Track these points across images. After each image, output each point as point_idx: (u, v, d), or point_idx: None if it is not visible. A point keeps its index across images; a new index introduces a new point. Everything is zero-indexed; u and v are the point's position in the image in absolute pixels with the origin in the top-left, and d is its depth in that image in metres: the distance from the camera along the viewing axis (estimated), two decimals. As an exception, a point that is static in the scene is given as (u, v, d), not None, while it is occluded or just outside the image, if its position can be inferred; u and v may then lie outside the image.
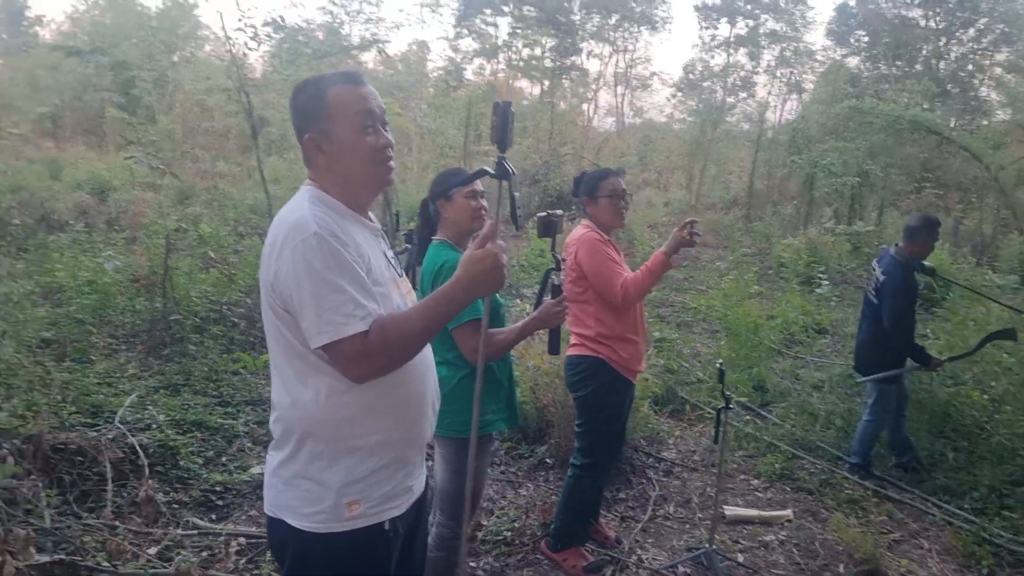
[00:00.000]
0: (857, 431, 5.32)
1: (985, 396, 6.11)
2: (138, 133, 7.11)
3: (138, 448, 4.35)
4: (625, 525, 4.47)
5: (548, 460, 5.04)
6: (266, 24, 9.03)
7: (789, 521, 4.62)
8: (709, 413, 6.23)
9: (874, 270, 5.24)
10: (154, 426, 4.74)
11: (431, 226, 3.14)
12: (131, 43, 19.54)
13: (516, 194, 2.30)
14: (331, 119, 1.90)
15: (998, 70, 19.44)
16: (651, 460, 5.39)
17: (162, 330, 6.52)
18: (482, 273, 1.83)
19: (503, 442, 5.32)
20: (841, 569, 4.07)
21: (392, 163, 2.00)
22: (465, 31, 30.75)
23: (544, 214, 2.87)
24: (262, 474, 4.20)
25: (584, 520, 3.94)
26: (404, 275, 2.20)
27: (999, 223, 14.80)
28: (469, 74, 27.62)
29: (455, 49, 29.71)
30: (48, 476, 3.96)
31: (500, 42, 28.62)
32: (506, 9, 30.02)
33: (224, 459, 4.66)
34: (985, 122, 17.67)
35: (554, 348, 2.99)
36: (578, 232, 3.75)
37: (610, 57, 28.83)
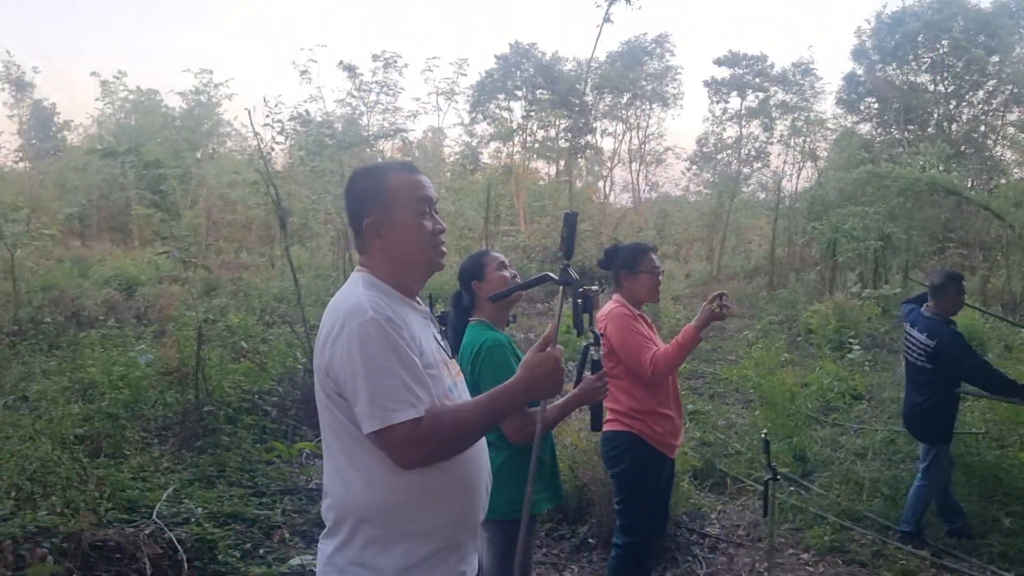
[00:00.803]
0: (909, 497, 5.16)
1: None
2: (169, 228, 7.28)
3: (176, 543, 4.30)
4: (676, 606, 4.33)
5: (591, 540, 4.93)
6: (292, 119, 9.32)
7: (845, 596, 4.46)
8: (751, 485, 6.09)
9: (912, 336, 5.14)
10: (191, 519, 4.69)
11: (464, 313, 3.18)
12: (156, 142, 20.21)
13: (579, 300, 2.35)
14: (391, 205, 1.96)
15: (1011, 130, 19.61)
16: (695, 536, 5.25)
17: (195, 421, 6.52)
18: (543, 377, 1.87)
19: (543, 523, 5.21)
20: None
21: (444, 248, 2.05)
22: (480, 116, 31.50)
23: (581, 289, 2.89)
24: (301, 565, 4.16)
25: (632, 602, 3.81)
26: (453, 357, 2.22)
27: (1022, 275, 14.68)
28: (485, 157, 28.18)
29: (471, 134, 30.40)
30: (87, 574, 3.91)
31: (515, 125, 29.26)
32: (519, 94, 30.82)
33: (262, 551, 4.60)
34: (1003, 181, 17.68)
35: (596, 424, 2.97)
36: (608, 307, 3.76)
37: (623, 134, 29.39)
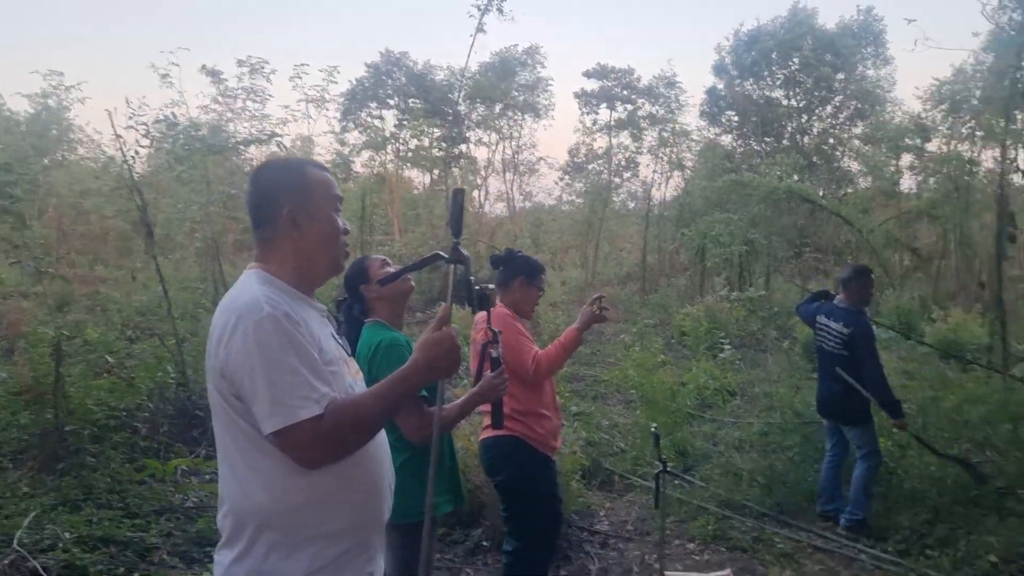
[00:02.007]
0: (853, 485, 5.36)
1: (890, 443, 6.38)
2: (22, 236, 6.76)
3: (41, 571, 3.97)
4: (572, 602, 4.36)
5: (485, 543, 4.90)
6: (158, 121, 8.85)
7: (729, 582, 4.61)
8: (637, 482, 6.24)
9: (828, 327, 5.42)
10: (57, 546, 4.34)
11: (356, 322, 3.11)
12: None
13: (471, 277, 2.31)
14: (311, 198, 1.92)
15: (856, 142, 21.12)
16: (586, 534, 5.32)
17: (55, 442, 6.05)
18: (440, 356, 1.84)
19: (437, 527, 5.14)
20: (787, 624, 4.08)
21: (347, 250, 2.03)
22: (351, 124, 31.00)
23: (479, 287, 2.86)
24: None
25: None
26: (352, 355, 2.16)
27: (876, 281, 15.75)
28: (358, 166, 27.74)
29: (342, 142, 29.84)
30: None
31: (388, 134, 28.96)
32: (391, 102, 30.55)
33: (137, 575, 4.31)
34: (850, 190, 19.00)
35: (498, 421, 2.95)
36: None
37: (497, 144, 29.59)
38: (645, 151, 25.83)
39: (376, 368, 2.87)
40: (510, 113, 28.71)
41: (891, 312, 12.74)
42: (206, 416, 6.44)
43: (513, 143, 29.51)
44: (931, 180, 16.60)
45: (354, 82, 30.25)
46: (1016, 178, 15.89)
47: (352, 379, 1.97)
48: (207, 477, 5.84)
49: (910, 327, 11.87)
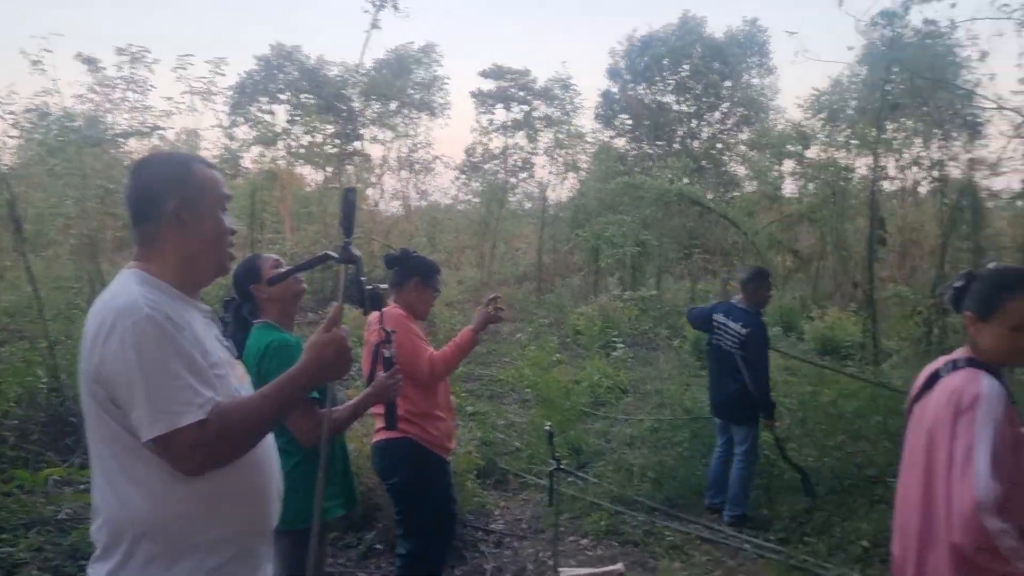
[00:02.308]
0: (732, 482, 5.55)
1: (772, 437, 6.66)
2: None
3: None
4: (467, 602, 4.36)
5: (378, 546, 4.83)
6: (28, 112, 8.32)
7: (621, 575, 4.71)
8: (532, 480, 6.29)
9: (727, 326, 5.58)
10: (-89, 566, 4.03)
11: (244, 322, 3.02)
12: None
13: (363, 278, 2.26)
14: (197, 195, 1.85)
15: (743, 148, 22.02)
16: (480, 534, 5.32)
17: (-94, 457, 5.61)
18: (330, 357, 1.80)
19: (328, 532, 5.03)
20: (675, 614, 4.19)
21: (233, 251, 1.96)
22: (240, 119, 30.01)
23: (370, 287, 2.81)
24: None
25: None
26: (239, 358, 2.09)
27: (760, 281, 16.40)
28: (247, 162, 26.85)
29: (230, 137, 28.83)
30: None
31: (279, 130, 28.16)
32: (283, 97, 29.73)
33: (3, 594, 4.04)
34: (737, 193, 19.74)
35: (391, 423, 2.91)
36: (384, 309, 3.69)
37: (392, 142, 29.20)
38: (541, 152, 26.14)
39: (266, 371, 2.78)
40: (406, 111, 28.40)
41: (774, 311, 13.29)
42: (80, 423, 6.09)
43: (409, 141, 29.22)
44: (811, 185, 17.42)
45: (243, 75, 29.28)
46: (887, 184, 16.93)
47: (238, 382, 1.90)
48: (81, 487, 5.52)
49: (791, 325, 12.44)
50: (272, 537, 1.96)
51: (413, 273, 3.73)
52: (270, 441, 1.94)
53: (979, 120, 8.44)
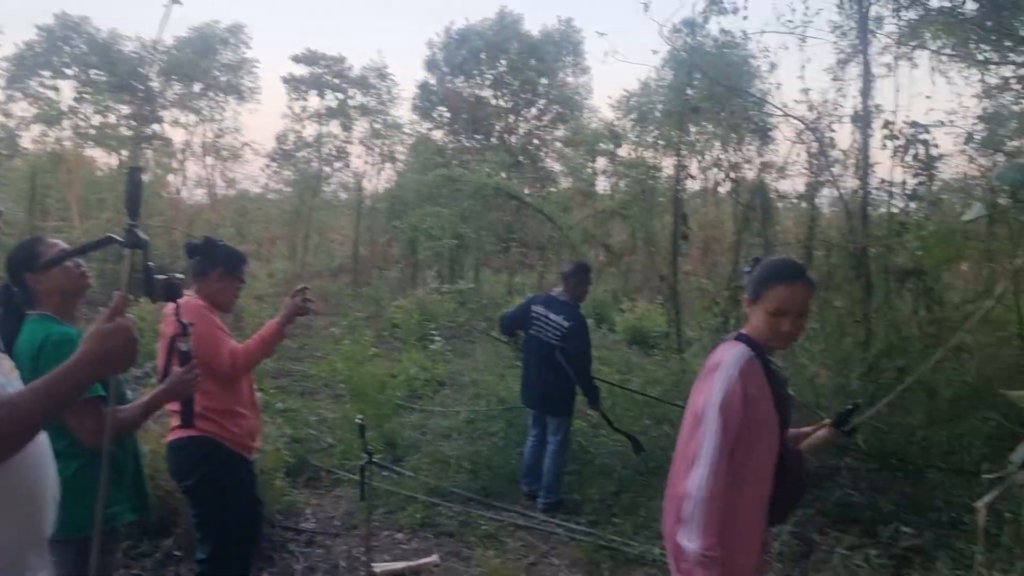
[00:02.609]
0: (546, 472, 5.60)
1: (584, 424, 6.90)
2: None
3: None
4: (274, 606, 4.15)
5: (176, 553, 4.49)
6: None
7: (437, 566, 4.68)
8: (345, 476, 6.11)
9: (548, 319, 5.59)
10: None
11: (15, 311, 2.69)
12: None
13: (151, 263, 2.05)
14: None
15: (558, 144, 22.68)
16: (290, 533, 5.10)
17: None
18: (112, 349, 1.63)
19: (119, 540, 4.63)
20: (490, 602, 4.21)
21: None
22: (19, 94, 27.28)
23: (165, 276, 2.59)
24: None
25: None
26: (7, 353, 1.85)
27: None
28: (27, 142, 24.44)
29: (7, 114, 26.15)
30: None
31: (65, 108, 25.88)
32: (69, 72, 27.30)
33: None
34: (553, 189, 20.29)
35: (188, 420, 2.71)
36: (182, 300, 3.42)
37: (196, 126, 27.58)
38: (356, 142, 25.63)
39: (42, 366, 2.48)
40: (211, 94, 26.95)
41: (587, 304, 13.78)
42: None
43: (215, 126, 27.73)
44: (622, 183, 18.20)
45: (22, 46, 26.59)
46: (691, 184, 17.99)
47: (5, 379, 1.71)
48: None
49: (603, 317, 12.96)
50: (46, 547, 1.76)
51: (217, 263, 3.48)
52: (44, 443, 1.76)
53: (768, 126, 9.14)
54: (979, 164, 8.46)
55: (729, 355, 2.28)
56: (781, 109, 7.60)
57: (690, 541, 2.13)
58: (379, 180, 24.29)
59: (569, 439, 5.80)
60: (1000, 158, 8.30)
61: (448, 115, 24.17)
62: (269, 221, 24.07)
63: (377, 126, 22.74)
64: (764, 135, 9.23)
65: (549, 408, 5.71)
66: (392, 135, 23.13)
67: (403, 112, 33.98)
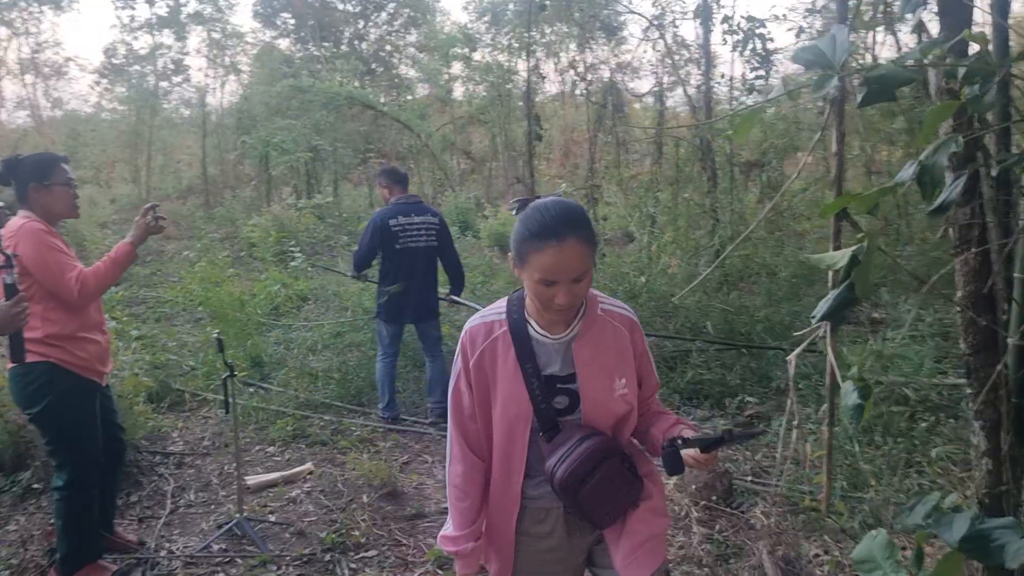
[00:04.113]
0: (435, 376, 5.58)
1: (453, 327, 7.00)
2: None
3: None
4: (146, 525, 4.10)
5: (36, 486, 4.32)
6: None
7: (311, 473, 4.73)
8: (210, 398, 6.01)
9: (415, 223, 5.44)
10: None
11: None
12: None
13: None
14: None
15: (412, 50, 22.00)
16: (158, 457, 5.00)
17: None
18: None
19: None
20: (365, 498, 4.32)
21: None
22: None
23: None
24: None
25: (91, 536, 3.44)
26: None
27: (436, 183, 16.84)
28: None
29: None
30: None
31: None
32: None
33: None
34: (410, 97, 19.75)
35: (18, 355, 2.60)
36: (16, 223, 3.20)
37: (9, 41, 24.99)
38: (195, 52, 23.95)
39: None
40: (24, 4, 24.36)
41: (451, 212, 13.76)
42: None
43: (31, 40, 25.22)
44: (479, 88, 17.94)
45: None
46: (548, 87, 18.02)
47: None
48: None
49: (467, 225, 13.01)
50: None
51: (28, 178, 3.26)
52: None
53: (617, 24, 9.22)
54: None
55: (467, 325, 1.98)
56: (627, 6, 7.69)
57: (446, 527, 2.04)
58: (223, 94, 22.94)
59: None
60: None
61: (293, 22, 22.92)
62: (106, 144, 22.36)
63: (216, 35, 21.27)
64: (613, 33, 9.31)
65: (432, 314, 5.65)
66: (234, 45, 21.75)
67: (244, 20, 31.95)
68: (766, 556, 3.46)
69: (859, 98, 1.68)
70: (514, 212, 1.88)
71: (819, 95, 1.68)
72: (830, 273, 2.13)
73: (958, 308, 2.16)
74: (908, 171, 1.69)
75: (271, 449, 5.21)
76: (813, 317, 1.91)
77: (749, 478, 4.33)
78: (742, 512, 3.95)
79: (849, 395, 1.79)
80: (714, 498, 4.03)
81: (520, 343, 1.88)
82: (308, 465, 4.81)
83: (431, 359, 5.69)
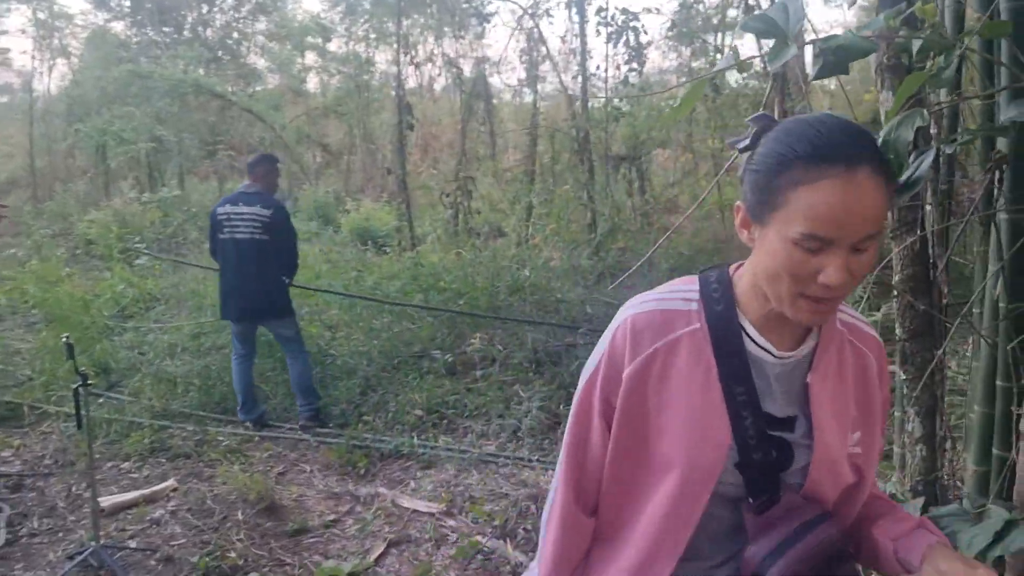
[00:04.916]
0: (297, 384, 5.18)
1: (323, 326, 6.63)
2: None
3: None
4: (-21, 563, 3.53)
5: None
6: None
7: (175, 490, 4.27)
8: (52, 409, 5.34)
9: (243, 214, 4.99)
10: None
11: None
12: None
13: None
14: None
15: (261, 38, 20.96)
16: (-10, 481, 4.37)
17: None
18: None
19: None
20: (239, 515, 3.92)
21: None
22: None
23: None
24: None
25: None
26: None
27: (292, 177, 16.10)
28: None
29: None
30: None
31: None
32: None
33: None
34: (260, 87, 18.82)
35: None
36: None
37: None
38: (19, 33, 21.87)
39: None
40: None
41: (309, 206, 13.18)
42: None
43: None
44: (334, 79, 17.34)
45: None
46: (407, 80, 17.64)
47: None
48: None
49: (328, 219, 12.48)
50: None
51: None
52: None
53: (488, 13, 9.03)
54: (680, 51, 9.10)
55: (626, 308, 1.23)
56: (499, -6, 7.54)
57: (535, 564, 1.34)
58: (51, 79, 21.08)
59: (302, 338, 5.45)
60: (697, 45, 9.01)
61: (129, 4, 21.32)
62: (-86, 132, 20.10)
63: (42, 16, 19.47)
64: (484, 21, 9.13)
65: (274, 313, 5.18)
66: (63, 27, 20.01)
67: (73, 1, 29.60)
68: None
69: (814, 71, 1.55)
70: (744, 143, 1.13)
71: (777, 65, 1.54)
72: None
73: (895, 293, 2.10)
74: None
75: (126, 465, 4.68)
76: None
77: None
78: None
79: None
80: None
81: (727, 352, 1.14)
82: (171, 481, 4.33)
83: (290, 360, 5.29)
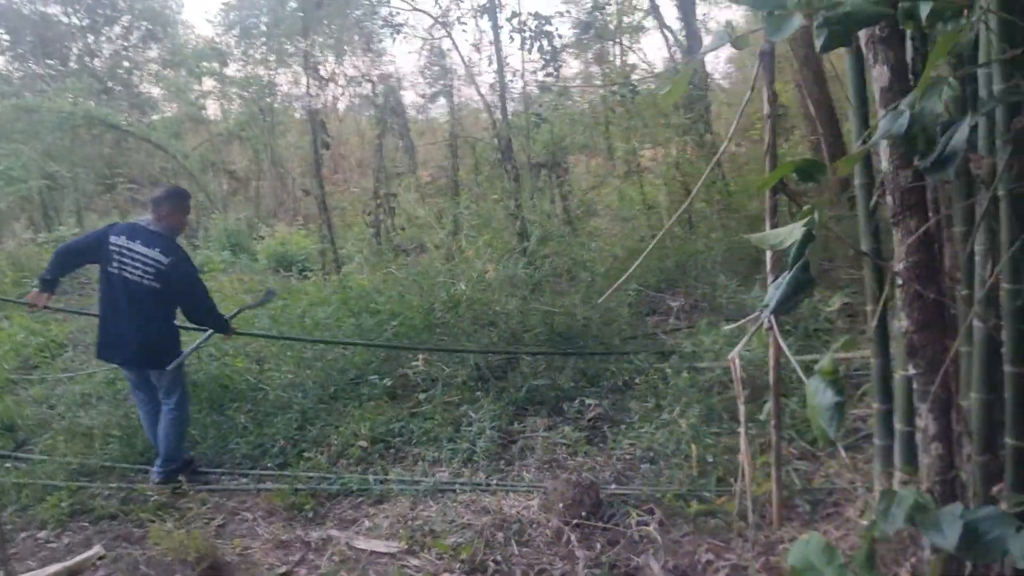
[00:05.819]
0: (165, 435, 4.65)
1: (249, 359, 6.26)
2: None
3: None
4: None
5: None
6: None
7: (101, 558, 3.88)
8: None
9: (134, 251, 4.46)
10: None
11: None
12: None
13: None
14: None
15: (154, 66, 20.05)
16: None
17: None
18: None
19: None
20: (182, 580, 3.56)
21: None
22: None
23: None
24: None
25: None
26: None
27: (199, 207, 15.43)
28: None
29: None
30: None
31: None
32: None
33: None
34: (156, 116, 18.02)
35: None
36: None
37: None
38: None
39: None
40: None
41: (220, 235, 12.63)
42: None
43: None
44: (235, 103, 16.75)
45: None
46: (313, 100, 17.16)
47: None
48: None
49: (241, 247, 11.98)
50: None
51: None
52: None
53: (399, 23, 8.75)
54: (594, 52, 9.04)
55: None
56: (409, 3, 7.32)
57: None
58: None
59: (188, 392, 4.93)
60: (610, 45, 8.97)
61: (8, 38, 20.15)
62: None
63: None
64: (396, 31, 8.87)
65: (154, 363, 4.64)
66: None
67: (-54, 36, 27.89)
68: (658, 570, 3.20)
69: (818, 43, 1.40)
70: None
71: (780, 38, 1.38)
72: (768, 256, 1.84)
73: (899, 282, 1.96)
74: (895, 122, 1.43)
75: (43, 534, 4.24)
76: (765, 305, 1.61)
77: (612, 486, 4.09)
78: (615, 525, 3.68)
79: (821, 393, 1.51)
80: (584, 513, 3.73)
81: None
82: (97, 548, 3.93)
83: (164, 410, 4.72)
